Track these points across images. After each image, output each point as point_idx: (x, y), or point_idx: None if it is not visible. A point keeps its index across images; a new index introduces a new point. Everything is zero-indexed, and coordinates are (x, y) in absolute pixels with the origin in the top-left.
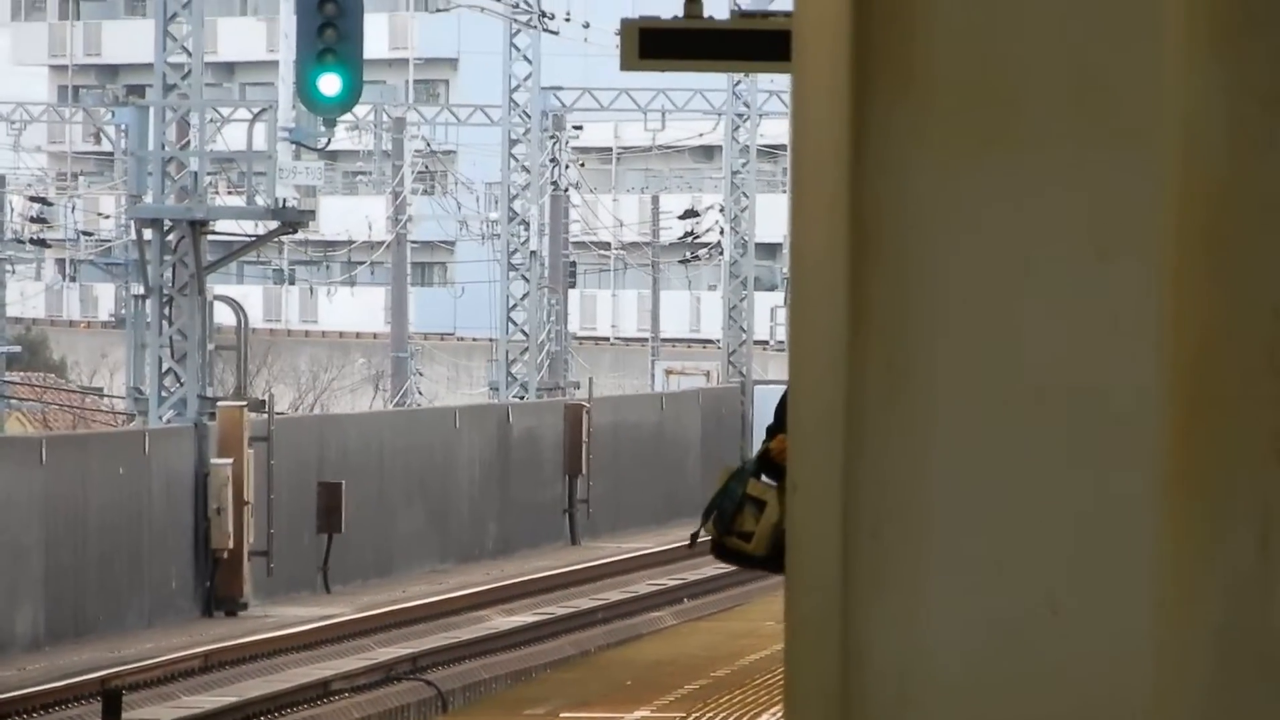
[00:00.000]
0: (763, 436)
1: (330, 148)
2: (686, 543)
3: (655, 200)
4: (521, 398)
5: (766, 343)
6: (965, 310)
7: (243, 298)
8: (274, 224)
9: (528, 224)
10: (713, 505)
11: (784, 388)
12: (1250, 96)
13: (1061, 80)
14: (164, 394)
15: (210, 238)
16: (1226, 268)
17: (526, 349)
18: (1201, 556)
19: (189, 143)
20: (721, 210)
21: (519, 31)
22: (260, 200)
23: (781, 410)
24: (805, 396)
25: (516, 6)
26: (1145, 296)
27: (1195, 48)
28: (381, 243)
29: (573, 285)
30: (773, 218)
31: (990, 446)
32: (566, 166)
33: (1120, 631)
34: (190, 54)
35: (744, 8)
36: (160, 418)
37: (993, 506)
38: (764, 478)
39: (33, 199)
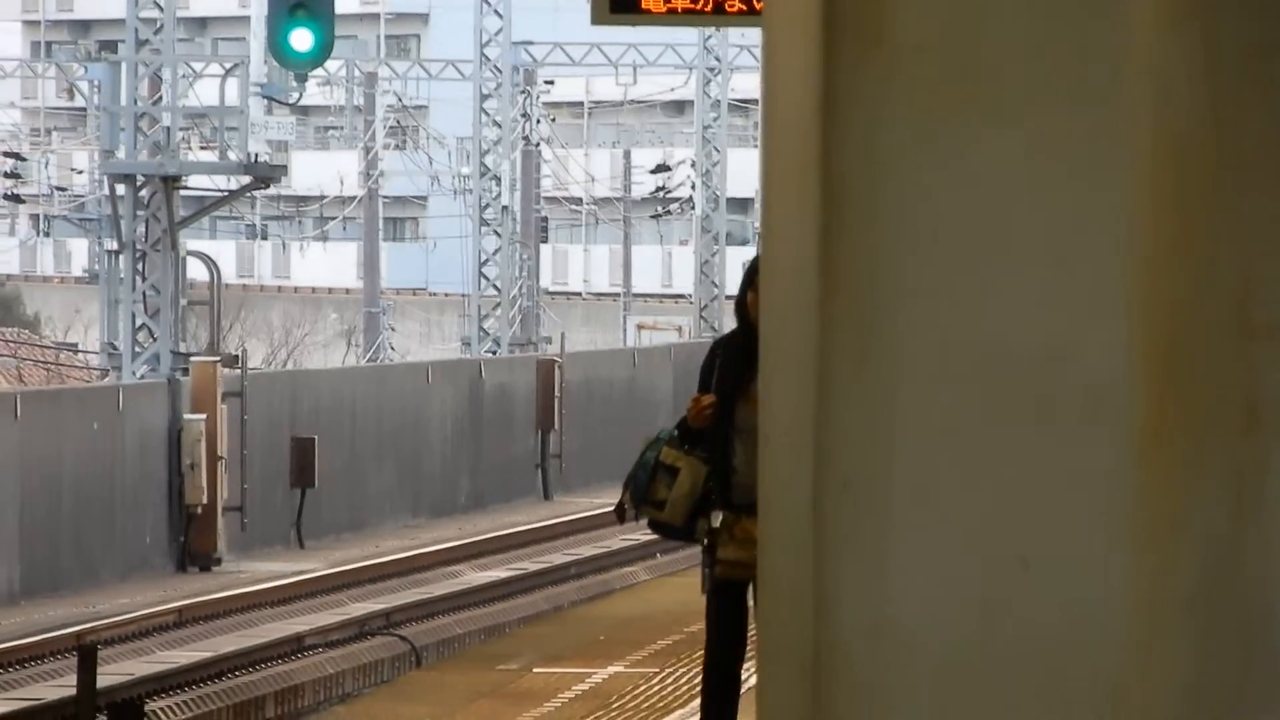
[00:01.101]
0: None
1: (302, 103)
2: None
3: (627, 155)
4: (494, 353)
5: None
6: (934, 273)
7: (215, 253)
8: (246, 179)
9: (499, 179)
10: (630, 476)
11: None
12: (1221, 59)
13: (1030, 44)
14: (137, 349)
15: (183, 193)
16: (1198, 230)
17: (499, 304)
18: (1175, 520)
19: (161, 98)
20: (693, 165)
21: None
22: (232, 155)
23: (701, 375)
24: (777, 352)
25: None
26: (1117, 260)
27: (1166, 10)
28: (353, 198)
29: (545, 240)
30: (744, 173)
31: (958, 407)
32: (538, 121)
33: (1094, 592)
34: (162, 9)
35: None
36: (134, 373)
37: (961, 467)
38: (685, 447)
39: (6, 154)
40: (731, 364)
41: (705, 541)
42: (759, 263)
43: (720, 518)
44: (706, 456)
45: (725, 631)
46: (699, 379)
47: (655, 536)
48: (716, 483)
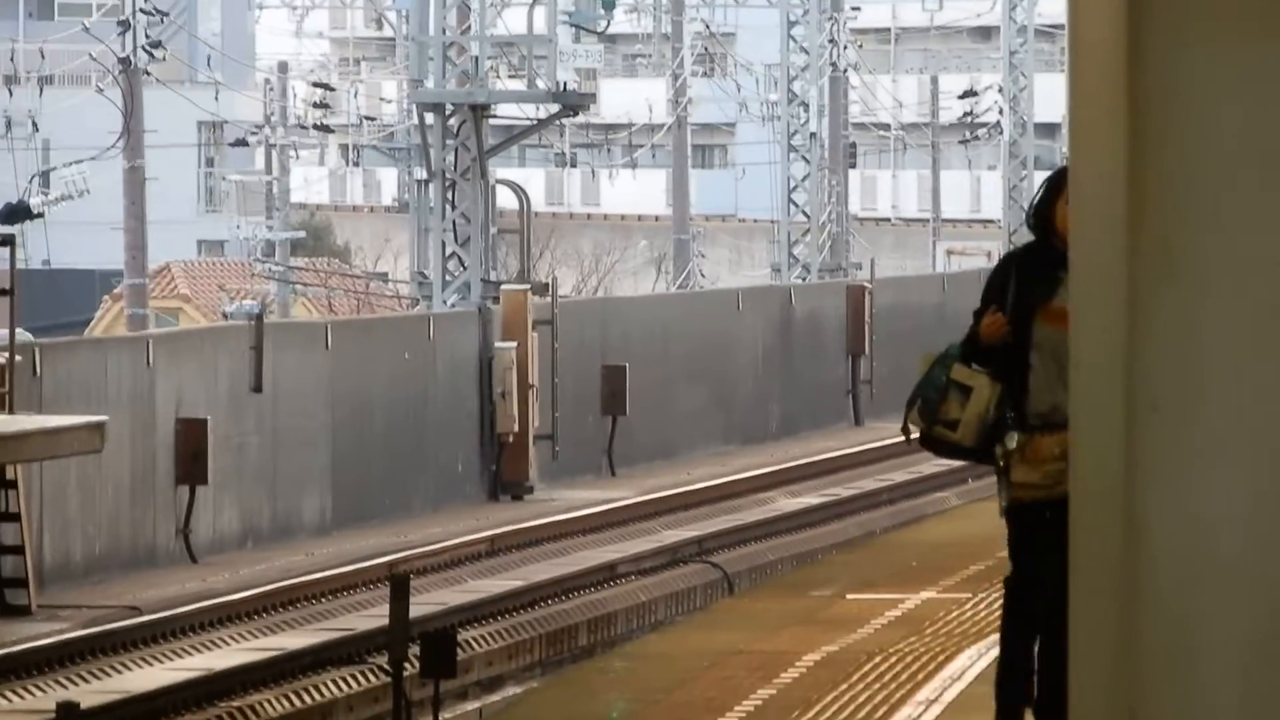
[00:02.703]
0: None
1: (609, 31)
2: (901, 438)
3: (934, 81)
4: (803, 279)
5: None
6: (1235, 192)
7: (524, 181)
8: (555, 107)
9: (807, 105)
10: (916, 394)
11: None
12: None
13: None
14: (448, 278)
15: (491, 122)
16: None
17: (808, 230)
18: None
19: (470, 27)
20: (1000, 90)
21: None
22: (541, 84)
23: (988, 291)
24: (1086, 277)
25: None
26: None
27: None
28: (662, 125)
29: (853, 166)
30: (1052, 97)
31: (1262, 323)
32: (845, 47)
33: None
34: None
35: None
36: (444, 302)
37: (1265, 384)
38: (973, 365)
39: (315, 85)
40: (1032, 278)
41: (1002, 464)
42: (1066, 174)
43: (1015, 439)
44: (997, 374)
45: (1026, 555)
46: (984, 294)
47: (965, 462)
48: (1010, 402)
